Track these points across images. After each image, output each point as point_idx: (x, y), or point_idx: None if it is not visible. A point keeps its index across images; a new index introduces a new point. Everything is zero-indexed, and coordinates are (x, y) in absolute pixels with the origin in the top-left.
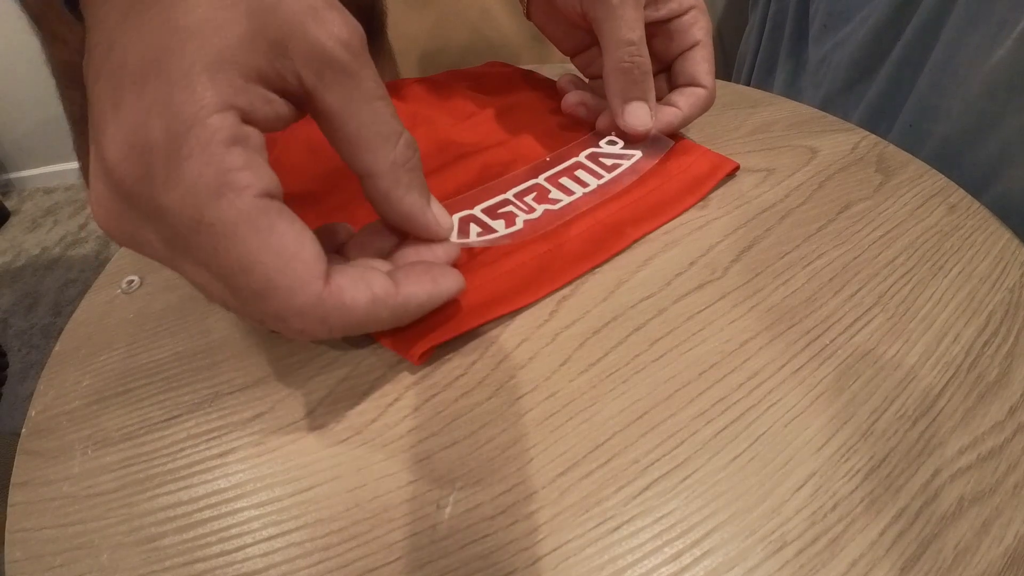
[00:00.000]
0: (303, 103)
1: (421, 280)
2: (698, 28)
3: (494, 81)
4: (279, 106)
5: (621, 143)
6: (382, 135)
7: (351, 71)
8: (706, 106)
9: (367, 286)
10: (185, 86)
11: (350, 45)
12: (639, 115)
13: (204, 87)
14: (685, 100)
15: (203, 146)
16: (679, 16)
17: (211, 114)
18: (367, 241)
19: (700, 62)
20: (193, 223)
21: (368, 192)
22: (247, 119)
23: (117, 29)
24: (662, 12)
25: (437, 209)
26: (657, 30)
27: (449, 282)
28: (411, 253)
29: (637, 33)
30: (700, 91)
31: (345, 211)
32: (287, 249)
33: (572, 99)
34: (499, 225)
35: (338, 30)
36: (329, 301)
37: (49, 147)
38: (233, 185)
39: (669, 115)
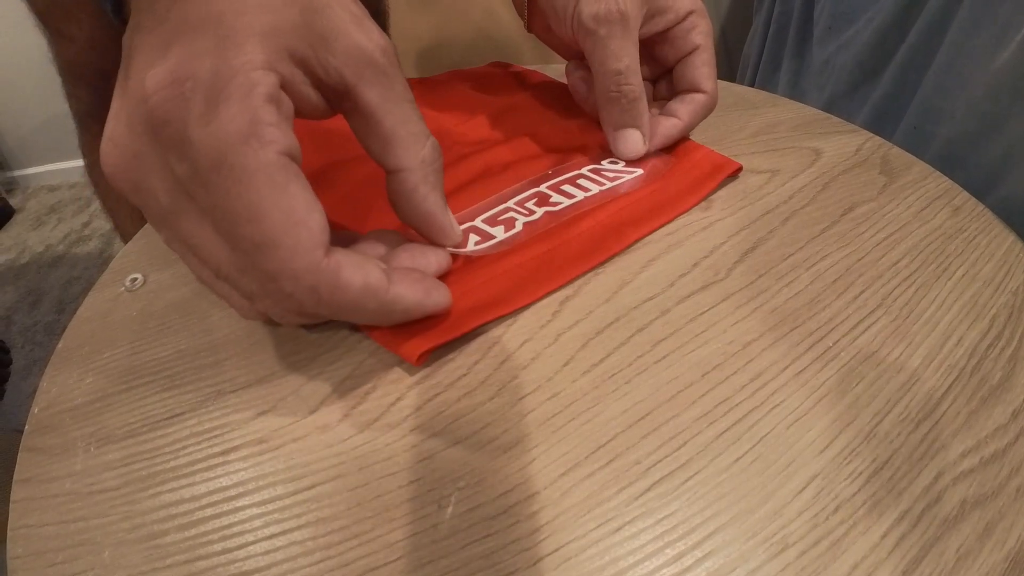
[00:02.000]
0: (337, 98)
1: (414, 286)
2: (697, 32)
3: (497, 81)
4: (312, 93)
5: (623, 163)
6: (413, 134)
7: (389, 73)
8: (707, 111)
9: (363, 273)
10: (237, 42)
11: (387, 51)
12: (630, 143)
13: (254, 46)
14: (685, 108)
15: (243, 93)
16: (678, 23)
17: (256, 69)
18: (364, 248)
19: (700, 67)
20: (215, 161)
21: (394, 187)
22: (285, 87)
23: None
24: (660, 25)
25: (452, 217)
26: (657, 38)
27: (439, 297)
28: (405, 258)
29: (624, 62)
30: (701, 97)
31: (346, 210)
32: (296, 211)
33: (575, 75)
34: (498, 231)
35: (377, 37)
36: (325, 273)
37: (53, 145)
38: (261, 136)
39: (669, 126)
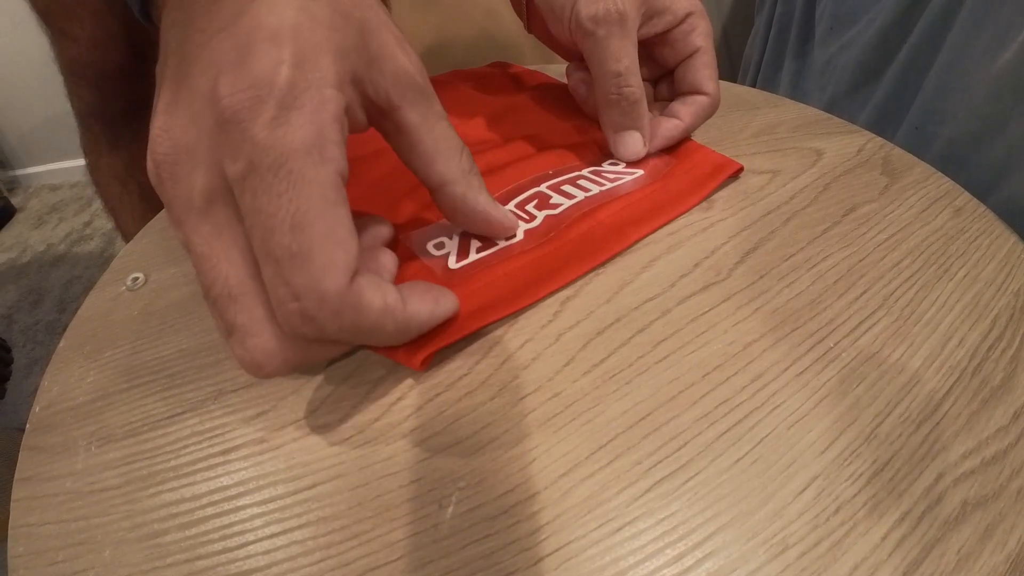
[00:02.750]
0: (378, 116)
1: (424, 299)
2: (697, 34)
3: (498, 82)
4: (361, 113)
5: (623, 164)
6: (452, 147)
7: (427, 93)
8: (709, 113)
9: (382, 294)
10: (313, 58)
11: (423, 74)
12: (630, 145)
13: (329, 65)
14: (687, 109)
15: (314, 107)
16: (677, 25)
17: (329, 87)
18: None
19: (701, 68)
20: (275, 163)
21: (442, 200)
22: (346, 110)
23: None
24: (659, 27)
25: (504, 208)
26: (657, 39)
27: (448, 304)
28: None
29: (624, 63)
30: (702, 99)
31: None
32: (338, 231)
33: (575, 76)
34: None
35: (416, 61)
36: (349, 297)
37: (55, 144)
38: (324, 152)
39: (670, 127)
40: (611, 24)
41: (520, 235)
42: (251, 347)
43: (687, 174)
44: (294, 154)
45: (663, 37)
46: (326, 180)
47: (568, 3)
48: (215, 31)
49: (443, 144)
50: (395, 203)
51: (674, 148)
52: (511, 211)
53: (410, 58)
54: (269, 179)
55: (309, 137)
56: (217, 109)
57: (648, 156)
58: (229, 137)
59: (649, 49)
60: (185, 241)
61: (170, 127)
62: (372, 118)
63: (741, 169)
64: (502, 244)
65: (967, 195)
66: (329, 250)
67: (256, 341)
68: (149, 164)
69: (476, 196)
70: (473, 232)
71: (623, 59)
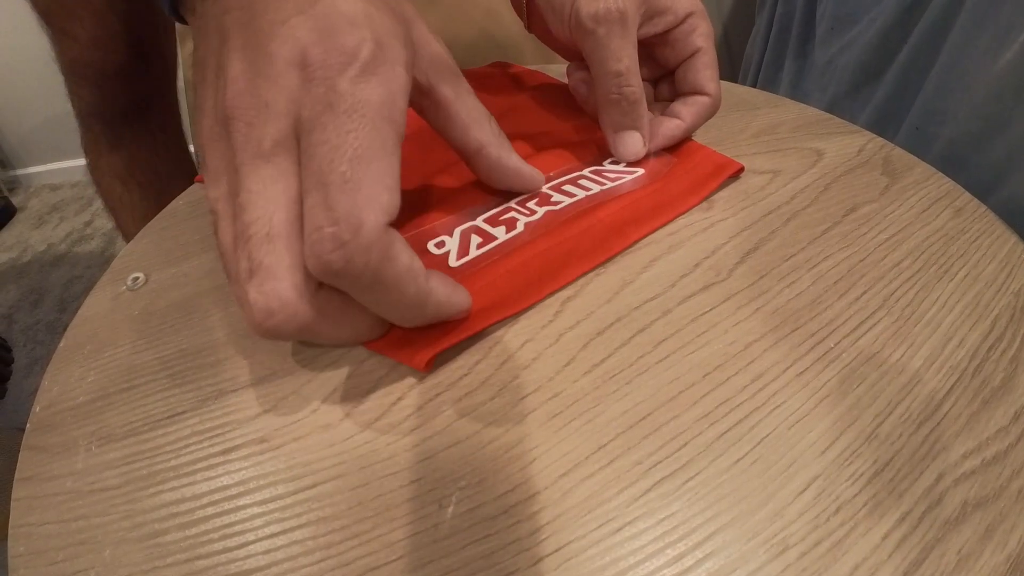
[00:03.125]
0: (417, 96)
1: (444, 281)
2: (698, 35)
3: (498, 82)
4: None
5: (624, 163)
6: (483, 116)
7: (457, 72)
8: (710, 113)
9: (409, 255)
10: (389, 41)
11: (451, 56)
12: (630, 145)
13: (400, 48)
14: (688, 110)
15: (389, 78)
16: (678, 25)
17: (400, 65)
18: None
19: (702, 69)
20: (352, 107)
21: (480, 162)
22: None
23: None
24: (659, 27)
25: (528, 165)
26: (657, 40)
27: (462, 295)
28: None
29: (624, 63)
30: (704, 99)
31: None
32: (387, 179)
33: (575, 76)
34: (500, 232)
35: (445, 47)
36: (383, 237)
37: (55, 144)
38: (393, 112)
39: (671, 127)
40: (612, 23)
41: (521, 227)
42: (268, 290)
43: (688, 174)
44: (368, 103)
45: (663, 37)
46: (389, 132)
47: (568, 2)
48: (291, 14)
49: (475, 113)
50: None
51: (675, 148)
52: (513, 207)
53: (440, 45)
54: (343, 117)
55: (383, 95)
56: (307, 70)
57: (648, 156)
58: (313, 90)
59: (649, 49)
60: (235, 186)
61: (253, 87)
62: (412, 98)
63: (742, 169)
64: (502, 238)
65: (968, 195)
66: (378, 188)
67: (275, 284)
68: (210, 121)
69: (509, 155)
70: (507, 188)
71: (623, 59)
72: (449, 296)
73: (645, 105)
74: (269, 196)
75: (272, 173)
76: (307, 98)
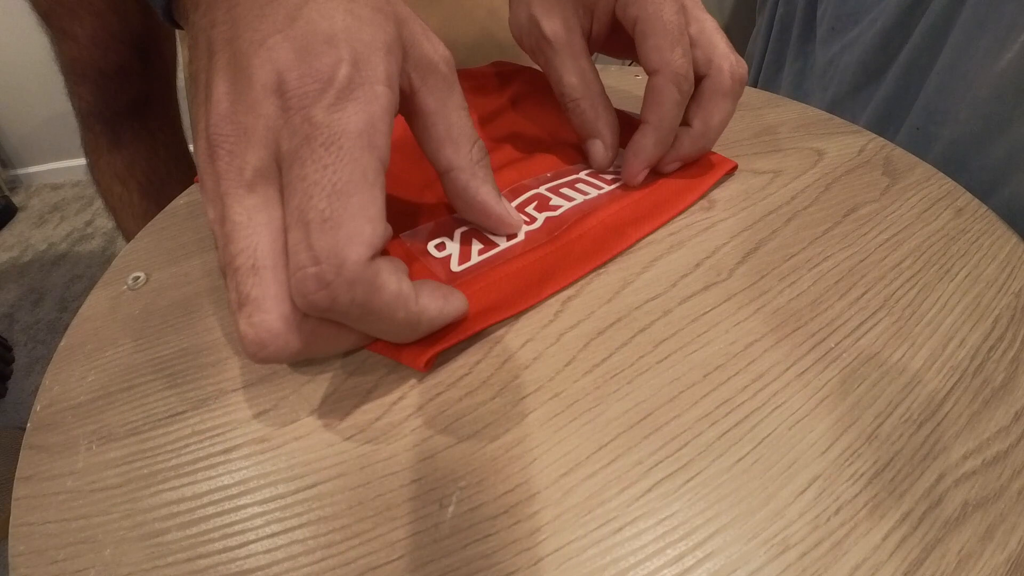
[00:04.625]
0: (403, 100)
1: (434, 296)
2: (634, 5)
3: (499, 81)
4: (397, 99)
5: (619, 164)
6: (465, 135)
7: (449, 81)
8: (673, 96)
9: (398, 280)
10: (366, 56)
11: (449, 63)
12: (592, 152)
13: (380, 63)
14: (648, 108)
15: (368, 100)
16: (615, 9)
17: (380, 84)
18: None
19: (641, 41)
20: (329, 139)
21: (447, 184)
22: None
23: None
24: (603, 20)
25: (508, 205)
26: (616, 33)
27: (457, 302)
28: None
29: (565, 79)
30: (654, 81)
31: None
32: (371, 209)
33: None
34: (500, 239)
35: (442, 49)
36: (366, 272)
37: (56, 143)
38: (373, 139)
39: (684, 143)
40: (544, 49)
41: (521, 236)
42: (257, 322)
43: (683, 172)
44: (346, 134)
45: (616, 28)
46: (370, 162)
47: (521, 30)
48: (270, 32)
49: (456, 131)
50: (393, 202)
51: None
52: (519, 209)
53: (434, 46)
54: (320, 151)
55: (362, 123)
56: (283, 98)
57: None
58: (290, 120)
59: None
60: (222, 214)
61: (234, 112)
62: (400, 103)
63: (735, 167)
64: (503, 245)
65: (968, 195)
66: (359, 223)
67: (264, 317)
68: (203, 143)
69: (479, 186)
70: (472, 222)
71: (563, 76)
72: (441, 310)
73: (599, 114)
74: (253, 227)
75: (255, 203)
76: (285, 129)
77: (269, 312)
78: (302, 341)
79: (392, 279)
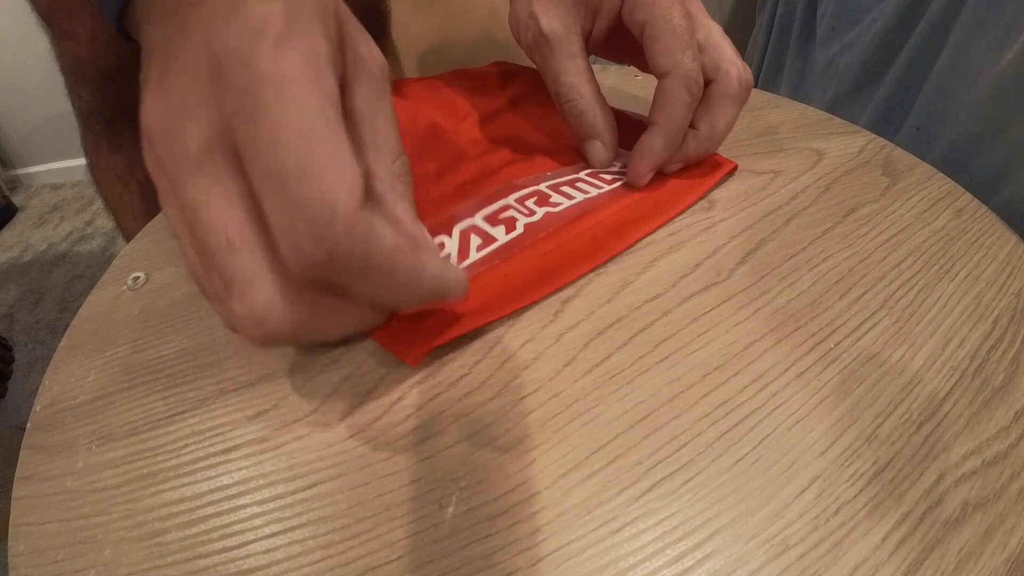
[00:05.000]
0: None
1: (432, 254)
2: (641, 9)
3: (499, 81)
4: (337, 62)
5: (620, 164)
6: (389, 146)
7: (382, 88)
8: (683, 97)
9: (392, 230)
10: (306, 17)
11: (384, 70)
12: (591, 153)
13: (316, 20)
14: (658, 111)
15: (308, 47)
16: (622, 11)
17: (319, 36)
18: None
19: (649, 44)
20: (279, 85)
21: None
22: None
23: None
24: (605, 21)
25: (423, 227)
26: (620, 36)
27: (456, 271)
28: None
29: (562, 80)
30: (663, 84)
31: None
32: (344, 151)
33: None
34: (499, 232)
35: (379, 56)
36: (362, 217)
37: (56, 143)
38: (323, 77)
39: (694, 144)
40: (541, 47)
41: (520, 228)
42: (251, 300)
43: (684, 173)
44: (296, 76)
45: (618, 31)
46: (328, 101)
47: (519, 28)
48: (203, 22)
49: (381, 139)
50: None
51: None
52: (512, 205)
53: (370, 50)
54: (271, 100)
55: (307, 64)
56: (213, 52)
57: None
58: (228, 75)
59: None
60: (179, 204)
61: (160, 95)
62: None
63: (735, 168)
64: (502, 240)
65: (968, 196)
66: (339, 165)
67: (257, 292)
68: (144, 145)
69: (395, 200)
70: None
71: (559, 76)
72: (442, 270)
73: (596, 114)
74: (216, 202)
75: (208, 180)
76: (224, 87)
77: (260, 285)
78: (301, 311)
79: (387, 230)
